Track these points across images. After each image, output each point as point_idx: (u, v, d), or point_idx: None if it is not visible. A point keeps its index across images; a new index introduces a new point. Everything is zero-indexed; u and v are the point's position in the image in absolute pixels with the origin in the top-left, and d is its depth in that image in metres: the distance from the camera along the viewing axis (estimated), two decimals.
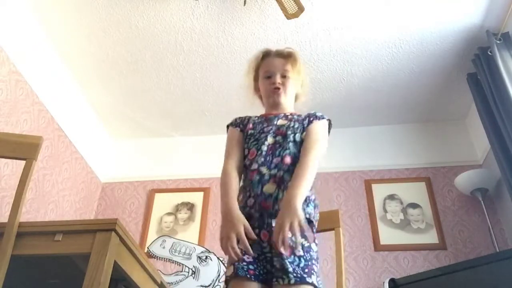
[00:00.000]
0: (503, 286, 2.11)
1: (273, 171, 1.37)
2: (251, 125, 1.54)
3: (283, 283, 1.21)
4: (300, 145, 1.45)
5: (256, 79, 1.68)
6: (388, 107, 3.42)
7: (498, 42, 2.68)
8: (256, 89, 1.69)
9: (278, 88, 1.57)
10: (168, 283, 2.84)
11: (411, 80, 3.17)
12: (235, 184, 1.40)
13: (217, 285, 2.98)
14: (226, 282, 1.30)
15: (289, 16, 2.51)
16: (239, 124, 1.57)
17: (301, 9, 2.46)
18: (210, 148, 3.50)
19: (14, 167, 2.56)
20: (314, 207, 1.39)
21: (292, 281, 1.21)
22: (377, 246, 3.00)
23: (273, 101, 1.59)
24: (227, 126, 1.61)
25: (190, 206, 3.35)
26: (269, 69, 1.61)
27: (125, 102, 3.42)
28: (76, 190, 3.22)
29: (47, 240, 1.60)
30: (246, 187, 1.40)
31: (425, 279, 2.42)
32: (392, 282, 2.56)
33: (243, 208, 1.36)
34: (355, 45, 2.93)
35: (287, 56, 1.63)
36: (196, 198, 3.38)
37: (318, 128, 1.50)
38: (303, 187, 1.29)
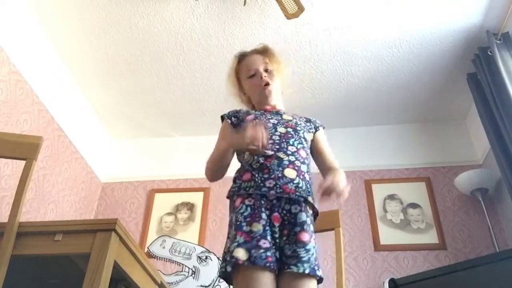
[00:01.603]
0: (503, 286, 2.11)
1: (291, 158, 1.38)
2: (252, 117, 1.53)
3: (297, 271, 1.19)
4: (308, 143, 1.51)
5: (238, 85, 1.68)
6: (388, 107, 3.42)
7: (498, 42, 2.68)
8: (241, 93, 1.68)
9: (267, 82, 1.57)
10: (168, 283, 2.84)
11: (411, 80, 3.17)
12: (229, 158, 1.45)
13: (217, 285, 2.97)
14: (235, 266, 1.18)
15: (289, 16, 2.51)
16: (232, 116, 1.58)
17: (301, 9, 2.46)
18: (210, 148, 3.42)
19: (14, 167, 2.56)
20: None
21: (307, 271, 1.20)
22: (377, 246, 3.00)
23: (264, 94, 1.58)
24: (222, 117, 1.62)
25: (190, 206, 3.35)
26: (251, 67, 1.61)
27: (125, 102, 3.42)
28: (76, 190, 3.22)
29: (47, 240, 1.61)
30: (263, 169, 1.34)
31: (425, 279, 2.42)
32: (392, 282, 2.56)
33: (258, 187, 1.31)
34: (355, 45, 2.93)
35: (263, 51, 1.65)
36: (196, 198, 3.38)
37: (325, 138, 1.60)
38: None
